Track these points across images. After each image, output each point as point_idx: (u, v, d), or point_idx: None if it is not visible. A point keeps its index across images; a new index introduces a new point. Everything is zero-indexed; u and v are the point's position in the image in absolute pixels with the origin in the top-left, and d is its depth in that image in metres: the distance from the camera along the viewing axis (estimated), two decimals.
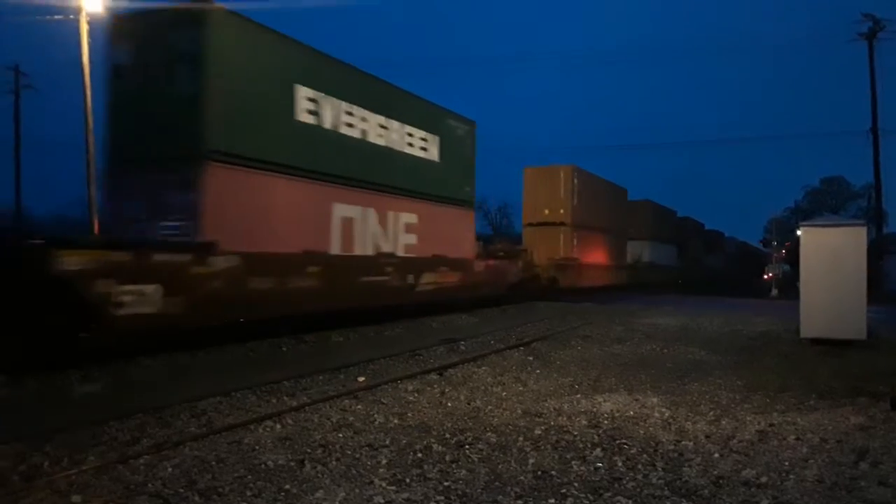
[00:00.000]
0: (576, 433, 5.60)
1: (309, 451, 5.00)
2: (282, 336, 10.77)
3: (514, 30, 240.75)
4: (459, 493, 4.17)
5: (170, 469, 4.50)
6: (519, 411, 6.38)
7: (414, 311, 14.68)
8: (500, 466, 4.69)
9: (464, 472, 4.57)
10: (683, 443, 5.35)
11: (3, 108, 34.41)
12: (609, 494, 4.17)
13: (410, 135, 15.13)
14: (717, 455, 5.02)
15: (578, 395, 7.14)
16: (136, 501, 3.96)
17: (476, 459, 4.86)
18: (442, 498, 4.07)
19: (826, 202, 62.58)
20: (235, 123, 10.11)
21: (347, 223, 12.68)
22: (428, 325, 14.01)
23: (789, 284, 31.11)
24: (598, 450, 5.10)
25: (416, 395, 7.10)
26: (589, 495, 4.15)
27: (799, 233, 12.63)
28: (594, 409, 6.47)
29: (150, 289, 8.48)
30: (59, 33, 20.03)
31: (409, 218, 14.95)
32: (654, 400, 6.94)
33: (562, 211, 24.03)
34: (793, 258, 26.23)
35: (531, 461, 4.82)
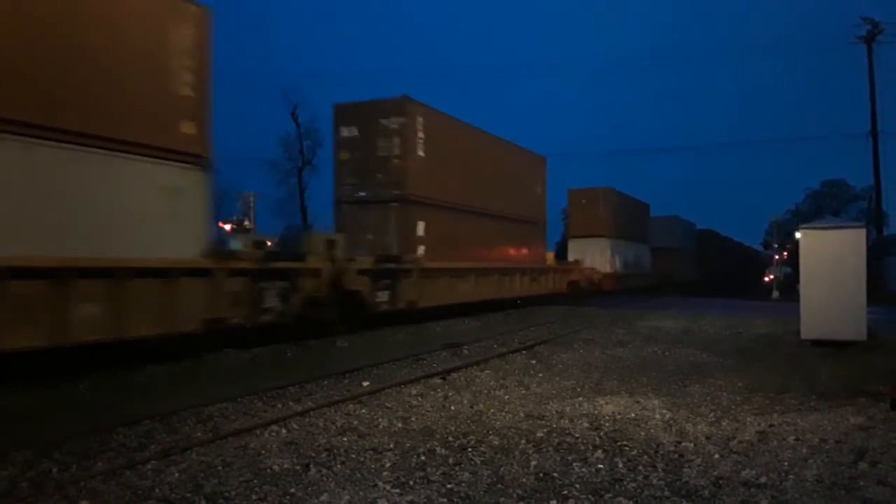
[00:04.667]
0: (577, 435, 5.65)
1: (314, 455, 5.06)
2: (286, 342, 10.86)
3: (515, 38, 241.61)
4: (462, 495, 4.23)
5: (177, 474, 4.57)
6: (521, 414, 6.44)
7: (421, 315, 15.04)
8: (502, 469, 4.75)
9: (466, 474, 4.63)
10: (684, 444, 5.41)
11: None
12: (610, 495, 4.23)
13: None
14: (717, 456, 5.08)
15: (580, 398, 7.20)
16: None
17: (479, 462, 4.92)
18: (445, 500, 4.13)
19: (827, 204, 62.43)
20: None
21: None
22: (431, 330, 14.07)
23: (791, 286, 31.17)
24: (600, 451, 5.17)
25: (419, 399, 7.16)
26: (590, 496, 4.21)
27: (798, 235, 12.69)
28: (596, 412, 6.53)
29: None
30: None
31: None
32: (656, 402, 6.99)
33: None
34: (793, 260, 26.33)
35: (533, 463, 4.88)
